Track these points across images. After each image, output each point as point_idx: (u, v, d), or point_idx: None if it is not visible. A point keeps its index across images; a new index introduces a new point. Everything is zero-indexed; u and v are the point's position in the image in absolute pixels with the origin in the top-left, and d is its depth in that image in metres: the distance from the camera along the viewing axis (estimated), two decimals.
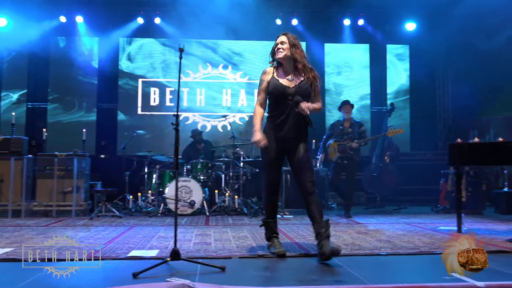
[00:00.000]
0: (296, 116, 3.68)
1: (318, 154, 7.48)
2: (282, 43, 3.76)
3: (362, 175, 8.67)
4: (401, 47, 10.83)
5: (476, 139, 5.60)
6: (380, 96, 10.84)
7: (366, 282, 2.89)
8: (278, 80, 3.73)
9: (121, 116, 10.09)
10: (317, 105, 3.76)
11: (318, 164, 7.65)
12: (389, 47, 10.83)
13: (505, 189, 7.57)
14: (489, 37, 8.97)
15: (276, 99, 3.74)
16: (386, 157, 8.42)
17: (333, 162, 7.14)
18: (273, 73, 3.79)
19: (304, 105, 3.61)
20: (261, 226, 4.01)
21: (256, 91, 3.79)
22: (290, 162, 3.83)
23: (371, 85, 10.69)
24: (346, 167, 7.05)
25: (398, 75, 10.83)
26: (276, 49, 3.78)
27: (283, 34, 3.81)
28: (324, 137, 7.40)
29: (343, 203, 7.29)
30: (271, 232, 3.93)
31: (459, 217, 5.14)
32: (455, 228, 5.16)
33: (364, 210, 8.07)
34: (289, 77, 3.74)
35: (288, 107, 3.68)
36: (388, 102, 10.08)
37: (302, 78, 3.73)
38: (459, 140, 5.46)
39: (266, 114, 3.92)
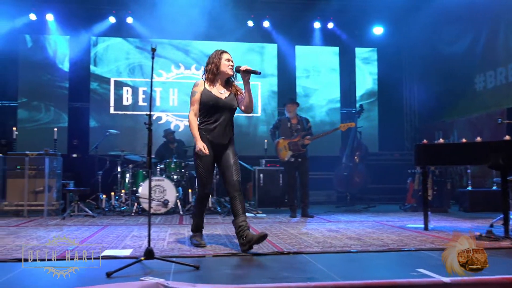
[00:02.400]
0: (227, 123, 4.10)
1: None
2: (230, 60, 4.14)
3: (333, 174, 8.85)
4: (370, 50, 11.09)
5: (441, 140, 5.75)
6: (350, 97, 11.07)
7: (337, 278, 2.92)
8: (211, 92, 4.07)
9: (93, 116, 9.98)
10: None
11: None
12: (358, 50, 11.07)
13: (469, 188, 7.82)
14: (451, 42, 9.30)
15: (209, 109, 4.06)
16: (355, 157, 8.62)
17: (284, 161, 6.86)
18: (204, 85, 4.12)
19: (244, 67, 4.03)
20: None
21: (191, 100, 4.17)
22: (221, 164, 4.14)
23: (341, 86, 10.90)
24: (300, 166, 6.82)
25: (364, 78, 11.09)
26: (227, 65, 4.09)
27: (227, 52, 4.16)
28: (271, 128, 7.21)
29: (301, 203, 6.97)
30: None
31: (425, 215, 5.29)
32: (422, 225, 5.31)
33: (335, 209, 8.20)
34: (221, 90, 4.12)
35: (221, 116, 4.07)
36: (357, 104, 10.32)
37: (230, 91, 4.14)
38: (425, 141, 5.60)
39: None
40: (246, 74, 4.03)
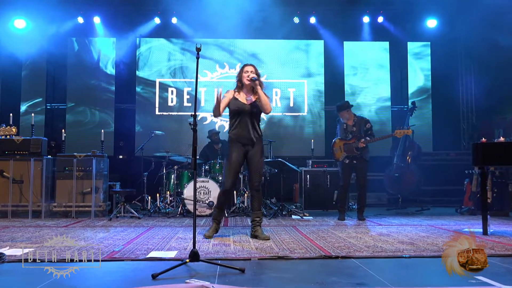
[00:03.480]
0: (251, 126, 4.83)
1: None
2: (248, 71, 4.87)
3: (384, 176, 8.54)
4: (422, 45, 10.65)
5: (502, 139, 5.44)
6: (401, 94, 10.71)
7: (388, 284, 2.85)
8: (238, 99, 4.87)
9: (138, 117, 10.13)
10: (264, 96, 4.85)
11: None
12: (410, 44, 10.65)
13: None
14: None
15: (235, 114, 4.85)
16: (407, 157, 8.28)
17: (340, 162, 6.74)
18: (234, 94, 4.91)
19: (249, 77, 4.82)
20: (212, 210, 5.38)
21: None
22: (248, 163, 4.87)
23: (392, 83, 10.54)
24: (356, 167, 6.64)
25: (415, 74, 10.66)
26: (245, 77, 4.85)
27: (250, 65, 4.93)
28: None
29: (357, 205, 6.88)
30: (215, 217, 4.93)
31: (484, 218, 5.05)
32: (481, 230, 5.05)
33: (386, 211, 7.95)
34: (247, 97, 4.88)
35: (245, 119, 4.81)
36: (409, 100, 9.93)
37: (255, 98, 4.85)
38: (483, 139, 5.33)
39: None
40: (253, 82, 4.80)
